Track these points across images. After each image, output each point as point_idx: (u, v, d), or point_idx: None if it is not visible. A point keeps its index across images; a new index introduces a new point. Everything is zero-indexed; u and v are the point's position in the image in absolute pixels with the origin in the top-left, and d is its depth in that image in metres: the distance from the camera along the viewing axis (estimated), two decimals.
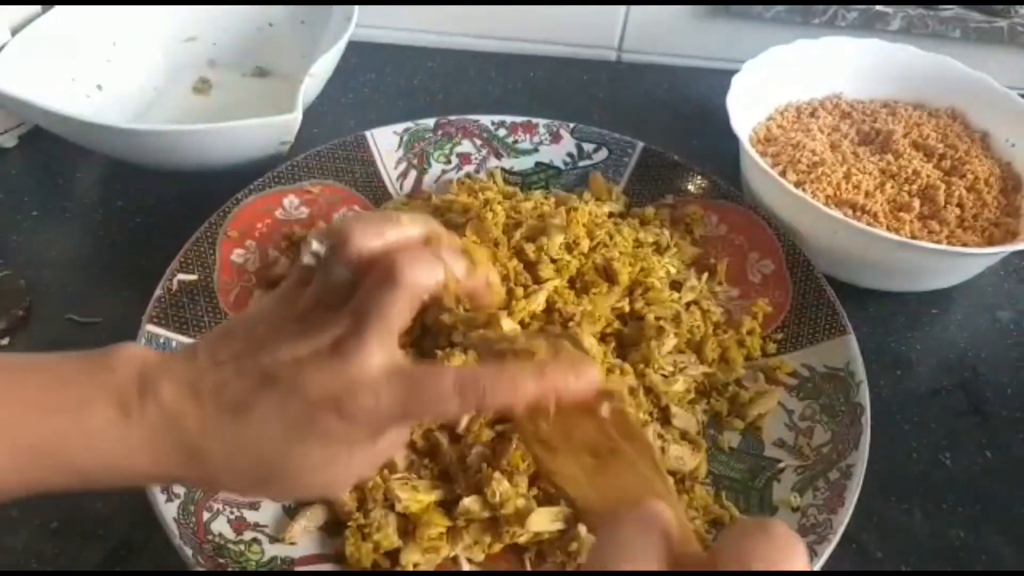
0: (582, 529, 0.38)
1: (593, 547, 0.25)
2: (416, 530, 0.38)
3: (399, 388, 0.28)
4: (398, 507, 0.38)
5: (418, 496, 0.39)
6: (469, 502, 0.38)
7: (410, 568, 0.38)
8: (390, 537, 0.38)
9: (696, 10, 0.72)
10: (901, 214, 0.54)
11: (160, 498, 0.37)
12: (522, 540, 0.38)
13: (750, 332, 0.49)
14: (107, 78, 0.63)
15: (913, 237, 0.52)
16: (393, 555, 0.39)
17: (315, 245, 0.32)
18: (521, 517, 0.38)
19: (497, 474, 0.38)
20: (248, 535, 0.39)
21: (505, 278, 0.45)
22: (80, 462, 0.28)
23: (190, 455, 0.28)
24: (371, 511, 0.39)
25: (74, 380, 0.28)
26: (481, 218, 0.47)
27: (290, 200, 0.53)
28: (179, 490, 0.38)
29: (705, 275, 0.52)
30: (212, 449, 0.28)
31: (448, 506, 0.39)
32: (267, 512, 0.40)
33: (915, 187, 0.55)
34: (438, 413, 0.32)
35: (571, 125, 0.59)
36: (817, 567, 0.37)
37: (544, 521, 0.38)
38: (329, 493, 0.35)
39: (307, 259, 0.32)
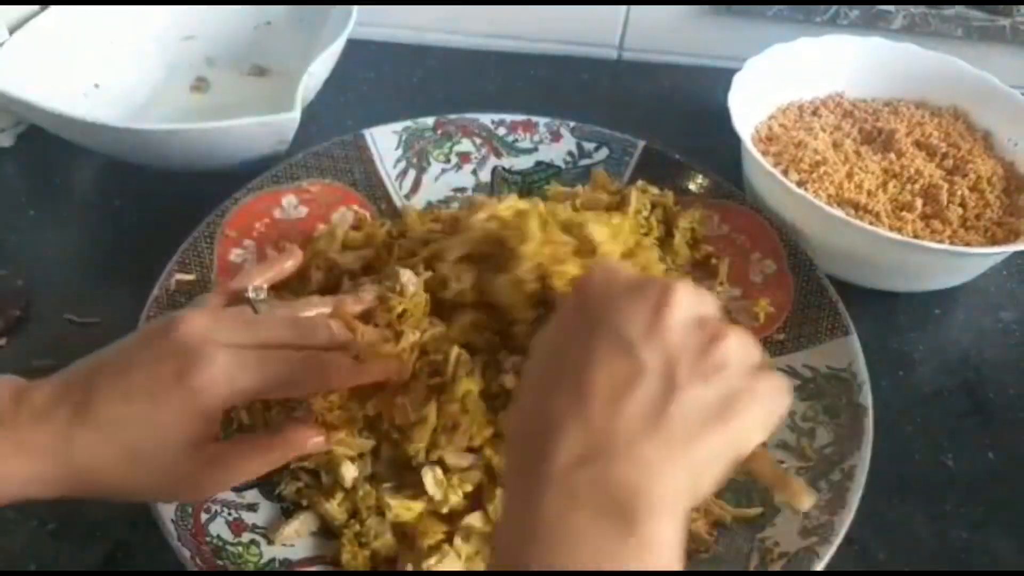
0: None
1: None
2: (414, 539, 0.38)
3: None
4: (388, 516, 0.38)
5: (408, 504, 0.38)
6: (472, 518, 0.38)
7: None
8: (388, 543, 0.38)
9: (697, 8, 0.72)
10: (903, 214, 0.53)
11: None
12: None
13: None
14: (104, 77, 0.62)
15: (915, 237, 0.52)
16: (391, 561, 0.38)
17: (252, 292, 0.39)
18: None
19: (500, 490, 0.38)
20: (246, 537, 0.38)
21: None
22: None
23: (59, 450, 0.30)
24: (365, 520, 0.38)
25: None
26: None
27: (288, 199, 0.53)
28: None
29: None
30: (81, 440, 0.30)
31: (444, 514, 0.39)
32: (265, 514, 0.40)
33: (917, 186, 0.55)
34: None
35: (571, 124, 0.59)
36: (819, 568, 0.37)
37: None
38: (209, 483, 0.35)
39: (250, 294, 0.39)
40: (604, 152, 0.58)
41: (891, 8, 0.69)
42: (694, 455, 0.26)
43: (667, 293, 0.28)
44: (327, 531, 0.40)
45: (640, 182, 0.54)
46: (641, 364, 0.26)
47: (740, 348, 0.28)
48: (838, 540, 0.38)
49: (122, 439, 0.31)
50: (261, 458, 0.35)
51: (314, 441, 0.37)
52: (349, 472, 0.39)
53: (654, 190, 0.54)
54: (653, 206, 0.53)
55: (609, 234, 0.42)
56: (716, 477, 0.27)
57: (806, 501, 0.31)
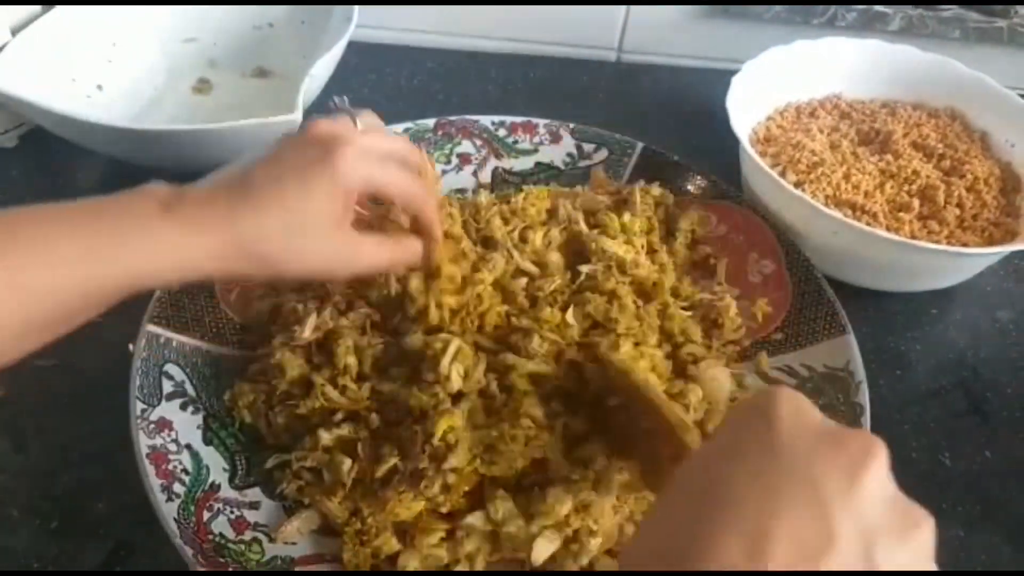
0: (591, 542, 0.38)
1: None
2: (415, 537, 0.38)
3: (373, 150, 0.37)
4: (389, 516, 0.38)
5: (409, 504, 0.38)
6: (472, 519, 0.38)
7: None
8: (389, 542, 0.38)
9: (696, 10, 0.72)
10: (901, 214, 0.54)
11: (160, 497, 0.37)
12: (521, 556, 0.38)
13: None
14: (107, 78, 0.63)
15: (913, 237, 0.52)
16: (392, 559, 0.38)
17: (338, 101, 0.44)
18: (522, 540, 0.37)
19: (501, 491, 0.38)
20: (248, 535, 0.39)
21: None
22: (137, 256, 0.33)
23: (227, 226, 0.34)
24: (367, 518, 0.38)
25: (116, 204, 0.34)
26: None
27: None
28: (179, 489, 0.38)
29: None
30: (245, 218, 0.34)
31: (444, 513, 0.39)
32: (267, 512, 0.40)
33: (915, 187, 0.56)
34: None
35: (571, 125, 0.59)
36: None
37: (546, 549, 0.38)
38: (347, 254, 0.38)
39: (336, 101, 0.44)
40: (603, 153, 0.58)
41: (888, 10, 0.69)
42: None
43: (869, 452, 0.25)
44: (328, 529, 0.40)
45: (641, 182, 0.55)
46: (836, 532, 0.22)
47: (933, 539, 0.25)
48: None
49: (280, 213, 0.34)
50: (388, 250, 0.39)
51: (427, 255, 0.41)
52: (348, 468, 0.39)
53: (656, 190, 0.54)
54: (655, 205, 0.54)
55: (624, 240, 0.46)
56: None
57: None
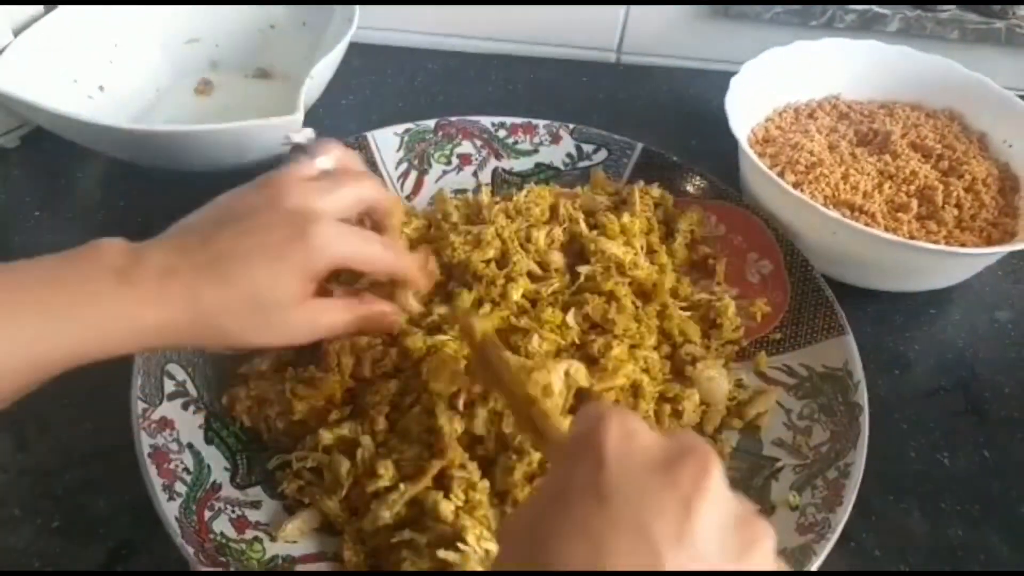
0: None
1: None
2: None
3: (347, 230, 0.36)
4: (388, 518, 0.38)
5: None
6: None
7: None
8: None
9: (695, 11, 0.72)
10: (899, 214, 0.54)
11: (162, 497, 0.38)
12: None
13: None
14: (109, 79, 0.63)
15: (911, 237, 0.52)
16: None
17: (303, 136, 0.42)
18: None
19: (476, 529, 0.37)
20: (249, 534, 0.39)
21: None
22: (91, 328, 0.31)
23: (188, 299, 0.32)
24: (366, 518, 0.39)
25: (70, 269, 0.33)
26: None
27: None
28: (181, 489, 0.39)
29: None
30: (209, 293, 0.33)
31: None
32: (268, 511, 0.40)
33: (913, 187, 0.56)
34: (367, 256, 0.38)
35: (571, 126, 0.59)
36: (815, 566, 0.38)
37: None
38: (306, 328, 0.37)
39: (297, 138, 0.43)
40: (603, 154, 0.59)
41: (887, 11, 0.70)
42: None
43: (701, 479, 0.24)
44: (329, 528, 0.40)
45: (640, 183, 0.55)
46: None
47: (773, 550, 0.24)
48: (834, 537, 0.38)
49: (246, 292, 0.33)
50: (349, 315, 0.38)
51: (391, 319, 0.40)
52: (346, 470, 0.39)
53: (655, 191, 0.54)
54: (655, 206, 0.54)
55: (623, 241, 0.46)
56: None
57: None
